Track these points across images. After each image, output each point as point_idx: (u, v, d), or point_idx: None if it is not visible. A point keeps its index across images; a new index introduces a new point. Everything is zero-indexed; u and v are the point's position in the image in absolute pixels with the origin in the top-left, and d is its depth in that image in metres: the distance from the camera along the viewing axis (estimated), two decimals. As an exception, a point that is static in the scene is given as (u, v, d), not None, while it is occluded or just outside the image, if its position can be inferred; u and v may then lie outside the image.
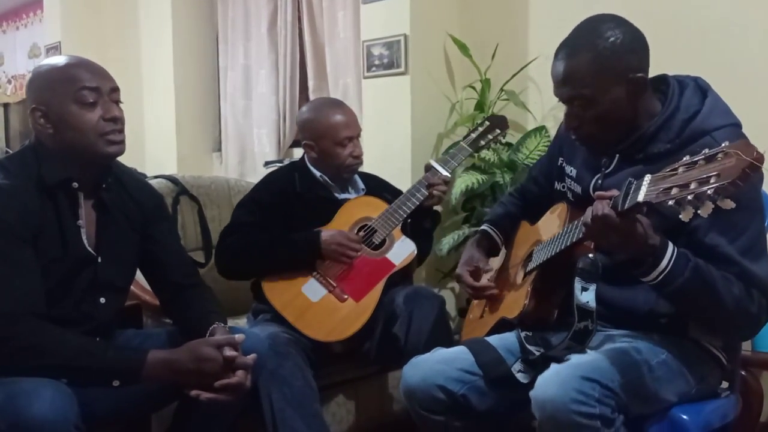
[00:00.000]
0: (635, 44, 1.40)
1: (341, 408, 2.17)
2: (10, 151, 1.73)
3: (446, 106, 2.80)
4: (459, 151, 2.14)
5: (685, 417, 1.38)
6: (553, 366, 1.33)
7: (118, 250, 1.59)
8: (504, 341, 1.58)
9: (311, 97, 3.60)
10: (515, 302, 1.63)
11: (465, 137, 2.18)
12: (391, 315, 1.97)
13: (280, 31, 3.75)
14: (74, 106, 1.46)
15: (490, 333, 1.67)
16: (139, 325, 1.93)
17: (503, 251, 1.86)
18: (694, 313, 1.39)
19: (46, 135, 1.49)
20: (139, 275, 1.74)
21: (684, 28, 2.22)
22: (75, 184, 1.50)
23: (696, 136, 1.37)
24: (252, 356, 1.48)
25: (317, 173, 2.17)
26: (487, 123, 2.18)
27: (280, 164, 3.02)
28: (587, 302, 1.38)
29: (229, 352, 1.44)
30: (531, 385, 1.35)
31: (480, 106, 2.68)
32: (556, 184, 1.68)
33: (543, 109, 2.64)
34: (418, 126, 2.74)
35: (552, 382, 1.28)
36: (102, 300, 1.56)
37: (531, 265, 1.62)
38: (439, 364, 1.54)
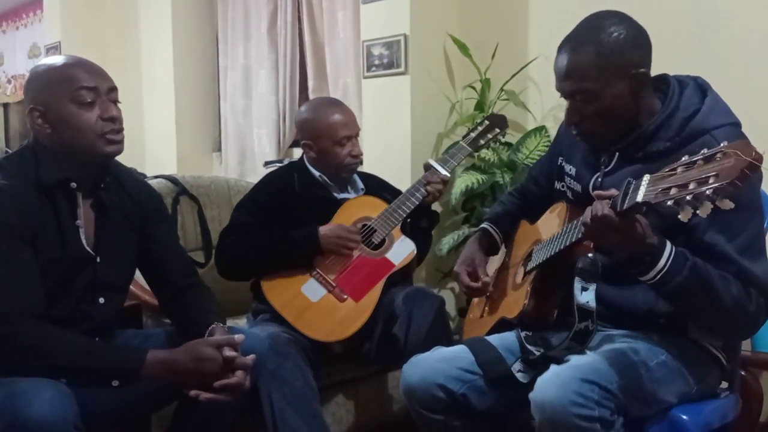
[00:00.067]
0: (638, 40, 1.40)
1: (341, 408, 2.17)
2: (10, 151, 1.73)
3: (446, 106, 2.80)
4: (458, 151, 2.14)
5: (684, 417, 1.38)
6: (553, 368, 1.33)
7: (117, 250, 1.59)
8: (504, 341, 1.58)
9: (311, 97, 3.60)
10: (515, 302, 1.63)
11: (464, 136, 2.18)
12: (390, 315, 1.97)
13: (280, 31, 3.75)
14: (72, 106, 1.46)
15: (491, 332, 1.67)
16: (139, 325, 1.93)
17: (503, 250, 1.86)
18: (692, 313, 1.39)
19: (44, 135, 1.49)
20: (139, 275, 1.74)
21: (684, 28, 2.22)
22: (73, 185, 1.50)
23: (696, 135, 1.37)
24: (251, 357, 1.48)
25: (316, 173, 2.17)
26: (486, 122, 2.18)
27: (280, 164, 3.02)
28: (587, 302, 1.38)
29: (228, 352, 1.44)
30: (531, 384, 1.34)
31: (480, 106, 2.68)
32: (556, 183, 1.68)
33: (543, 109, 2.64)
34: (417, 126, 2.74)
35: (551, 385, 1.28)
36: (101, 300, 1.56)
37: (530, 265, 1.62)
38: (439, 363, 1.55)
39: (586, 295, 1.39)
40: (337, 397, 2.16)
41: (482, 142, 2.15)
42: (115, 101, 1.52)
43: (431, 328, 1.90)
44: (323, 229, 2.00)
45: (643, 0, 2.26)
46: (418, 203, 2.05)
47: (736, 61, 2.12)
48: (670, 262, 1.26)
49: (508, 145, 2.59)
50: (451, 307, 2.76)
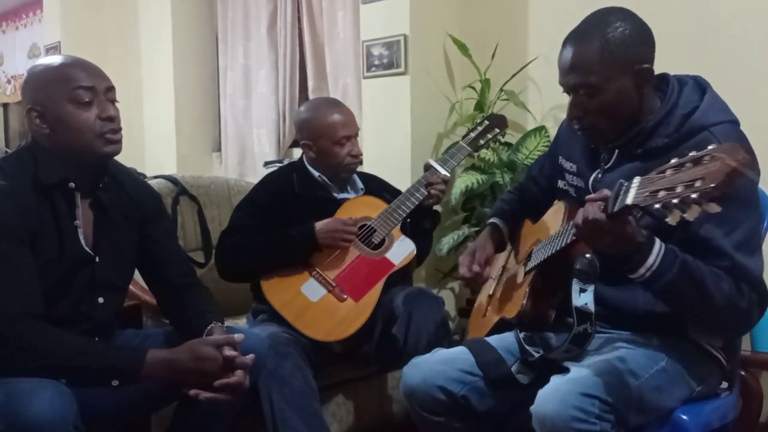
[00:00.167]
0: (643, 36, 1.41)
1: (341, 408, 2.17)
2: (9, 152, 1.72)
3: (446, 106, 2.80)
4: (458, 151, 2.14)
5: (685, 417, 1.38)
6: (553, 380, 1.32)
7: (116, 250, 1.59)
8: (504, 342, 1.58)
9: (311, 97, 3.60)
10: (514, 302, 1.63)
11: (464, 136, 2.18)
12: (390, 316, 1.96)
13: (279, 31, 3.75)
14: (70, 105, 1.45)
15: (491, 333, 1.67)
16: (138, 325, 1.93)
17: (508, 248, 1.86)
18: (684, 310, 1.38)
19: (42, 135, 1.48)
20: (138, 275, 1.74)
21: (684, 28, 2.22)
22: (72, 185, 1.50)
23: (694, 131, 1.37)
24: (251, 356, 1.48)
25: (316, 173, 2.17)
26: (486, 122, 2.17)
27: (280, 164, 3.02)
28: (586, 304, 1.38)
29: (228, 352, 1.44)
30: (531, 385, 1.34)
31: (480, 106, 2.68)
32: (558, 182, 1.68)
33: (543, 109, 2.64)
34: (417, 126, 2.74)
35: (552, 399, 1.28)
36: (100, 300, 1.56)
37: (530, 265, 1.62)
38: (439, 365, 1.54)
39: (584, 297, 1.39)
40: (337, 397, 2.16)
41: (482, 142, 2.15)
42: (113, 101, 1.52)
43: (430, 329, 1.90)
44: (319, 224, 2.00)
45: (643, 2, 2.27)
46: (418, 203, 2.05)
47: (736, 61, 2.12)
48: (659, 259, 1.26)
49: (508, 145, 2.59)
50: (450, 308, 2.76)
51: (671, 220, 1.03)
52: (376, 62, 2.83)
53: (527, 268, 1.64)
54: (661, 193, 1.05)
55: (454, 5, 2.83)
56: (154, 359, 1.41)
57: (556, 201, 1.68)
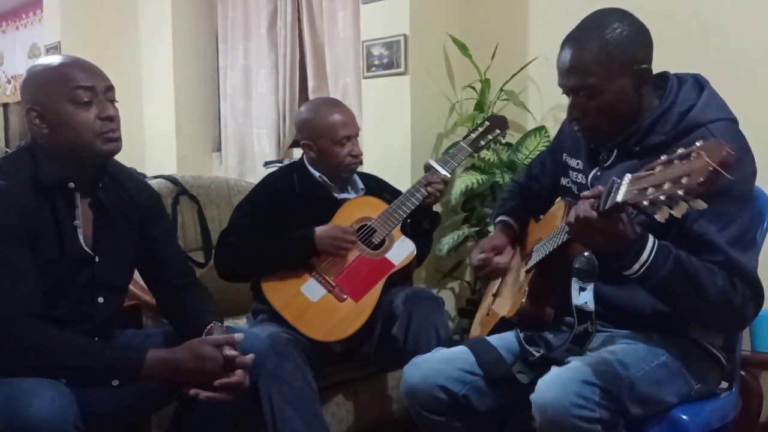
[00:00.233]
0: (641, 37, 1.42)
1: (341, 408, 2.17)
2: (9, 152, 1.72)
3: (446, 106, 2.80)
4: (459, 151, 2.13)
5: (684, 417, 1.38)
6: (554, 369, 1.32)
7: (115, 250, 1.59)
8: (504, 341, 1.58)
9: (311, 97, 3.60)
10: (514, 301, 1.63)
11: (465, 137, 2.18)
12: (390, 316, 1.96)
13: (279, 31, 3.75)
14: (69, 105, 1.45)
15: (492, 332, 1.67)
16: (138, 325, 1.93)
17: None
18: (679, 306, 1.38)
19: (41, 135, 1.48)
20: (139, 275, 1.74)
21: (685, 28, 2.22)
22: (71, 184, 1.50)
23: (691, 128, 1.38)
24: (251, 356, 1.48)
25: (316, 173, 2.17)
26: (487, 123, 2.17)
27: (280, 164, 3.01)
28: (585, 303, 1.38)
29: (228, 352, 1.44)
30: (531, 385, 1.34)
31: (480, 106, 2.68)
32: (562, 179, 1.68)
33: (543, 109, 2.64)
34: (417, 126, 2.74)
35: (552, 386, 1.28)
36: (100, 300, 1.56)
37: (529, 264, 1.62)
38: (440, 364, 1.54)
39: (584, 296, 1.39)
40: (337, 397, 2.16)
41: (482, 143, 2.15)
42: (113, 100, 1.52)
43: (430, 329, 1.90)
44: (319, 230, 2.00)
45: (643, 2, 2.27)
46: (418, 203, 2.05)
47: (736, 60, 2.12)
48: (653, 255, 1.26)
49: (508, 145, 2.59)
50: (450, 308, 2.76)
51: (660, 217, 1.04)
52: (376, 62, 2.83)
53: (527, 267, 1.64)
54: (650, 190, 1.06)
55: (454, 5, 2.83)
56: (154, 359, 1.41)
57: (558, 199, 1.68)
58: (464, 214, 2.72)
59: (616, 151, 1.49)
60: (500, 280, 1.84)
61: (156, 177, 2.53)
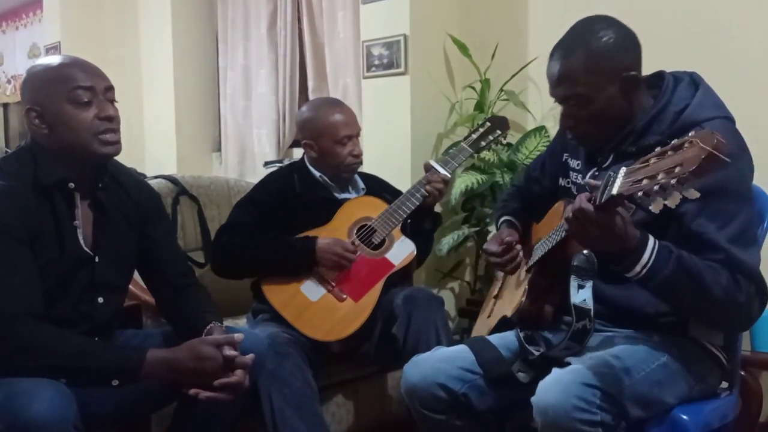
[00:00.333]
0: (627, 43, 1.42)
1: (341, 408, 2.17)
2: (9, 152, 1.72)
3: (446, 106, 2.80)
4: (459, 152, 2.13)
5: (684, 417, 1.38)
6: (555, 372, 1.32)
7: (115, 250, 1.59)
8: (504, 340, 1.59)
9: (311, 97, 3.60)
10: (513, 300, 1.63)
11: (466, 138, 2.18)
12: (390, 315, 1.96)
13: (279, 31, 3.75)
14: (69, 105, 1.45)
15: (493, 332, 1.67)
16: (138, 325, 1.93)
17: None
18: (683, 306, 1.38)
19: (41, 135, 1.48)
20: (138, 275, 1.74)
21: (685, 28, 2.22)
22: (71, 185, 1.50)
23: (686, 128, 1.37)
24: (251, 356, 1.48)
25: (317, 173, 2.17)
26: (488, 124, 2.17)
27: (280, 164, 3.02)
28: (584, 300, 1.38)
29: (228, 352, 1.44)
30: (531, 384, 1.34)
31: (480, 107, 2.68)
32: (561, 180, 1.68)
33: (542, 109, 2.64)
34: (417, 126, 2.74)
35: (553, 389, 1.28)
36: (100, 300, 1.56)
37: (529, 263, 1.62)
38: (440, 363, 1.55)
39: (582, 294, 1.39)
40: (336, 397, 2.16)
41: (483, 143, 2.15)
42: (113, 101, 1.52)
43: (430, 329, 1.90)
44: (321, 243, 1.99)
45: (643, 2, 2.27)
46: (418, 204, 2.05)
47: (735, 60, 2.12)
48: (654, 255, 1.25)
49: (508, 145, 2.59)
50: (450, 307, 2.76)
51: (654, 208, 1.04)
52: (376, 62, 2.83)
53: (526, 267, 1.64)
54: (644, 182, 1.06)
55: (454, 5, 2.83)
56: (154, 359, 1.41)
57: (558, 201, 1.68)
58: (464, 214, 2.72)
59: (612, 153, 1.49)
60: (501, 282, 1.84)
61: (156, 177, 2.53)
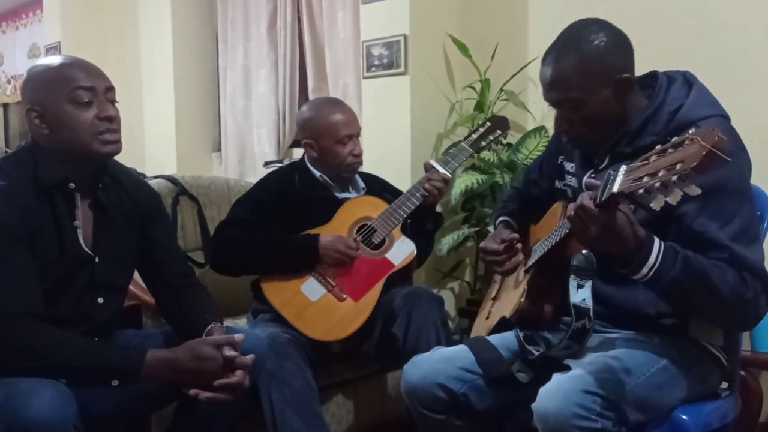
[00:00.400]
0: (619, 46, 1.42)
1: (341, 408, 2.17)
2: (9, 152, 1.72)
3: (446, 106, 2.80)
4: (460, 152, 2.13)
5: (684, 417, 1.38)
6: (555, 377, 1.32)
7: (115, 250, 1.59)
8: (504, 340, 1.59)
9: (311, 97, 3.60)
10: (512, 301, 1.63)
11: (466, 138, 2.18)
12: (389, 315, 1.96)
13: (279, 31, 3.75)
14: (69, 105, 1.45)
15: (492, 333, 1.67)
16: (138, 326, 1.93)
17: None
18: (691, 306, 1.37)
19: (41, 135, 1.48)
20: (138, 275, 1.74)
21: (685, 28, 2.22)
22: (71, 185, 1.50)
23: (682, 127, 1.37)
24: (251, 356, 1.48)
25: (317, 173, 2.17)
26: (488, 124, 2.17)
27: (280, 164, 3.02)
28: (583, 300, 1.38)
29: (228, 352, 1.44)
30: (531, 384, 1.34)
31: (480, 107, 2.68)
32: (556, 182, 1.68)
33: (543, 110, 2.63)
34: (417, 126, 2.74)
35: (554, 396, 1.27)
36: (100, 300, 1.56)
37: (528, 263, 1.62)
38: (439, 363, 1.55)
39: (582, 293, 1.39)
40: (336, 397, 2.16)
41: (483, 143, 2.15)
42: (113, 101, 1.52)
43: (430, 328, 1.90)
44: (323, 240, 2.00)
45: (643, 1, 2.27)
46: (418, 203, 2.05)
47: (736, 60, 2.12)
48: (660, 256, 1.24)
49: (508, 145, 2.59)
50: (450, 307, 2.76)
51: (655, 205, 1.04)
52: (376, 62, 2.83)
53: (525, 267, 1.64)
54: (645, 179, 1.06)
55: (454, 5, 2.83)
56: (154, 359, 1.41)
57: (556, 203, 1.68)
58: (464, 214, 2.72)
59: (608, 154, 1.49)
60: (499, 284, 1.83)
61: (156, 177, 2.53)
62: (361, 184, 2.23)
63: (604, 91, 1.41)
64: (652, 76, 1.50)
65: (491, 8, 2.78)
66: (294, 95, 3.74)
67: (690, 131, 1.04)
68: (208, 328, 1.55)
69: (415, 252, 2.06)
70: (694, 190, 1.00)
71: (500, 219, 1.84)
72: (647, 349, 1.40)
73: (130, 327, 1.78)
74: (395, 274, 2.03)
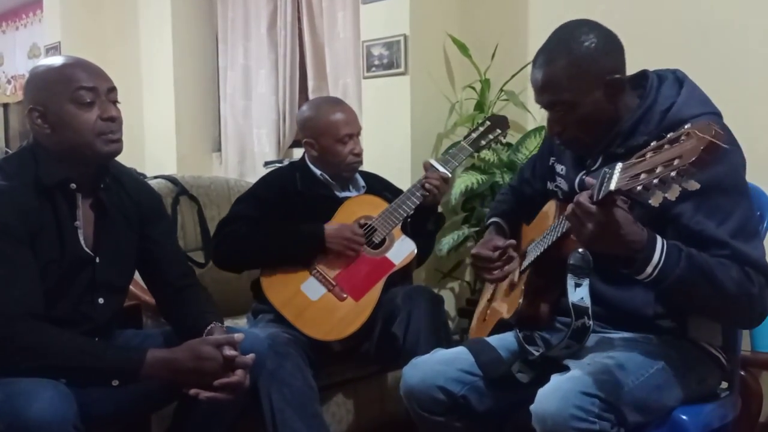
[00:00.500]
0: (609, 47, 1.42)
1: (341, 408, 2.17)
2: (10, 152, 1.73)
3: (446, 106, 2.80)
4: (459, 151, 2.13)
5: (684, 417, 1.38)
6: (554, 379, 1.32)
7: (116, 251, 1.59)
8: (504, 341, 1.58)
9: (311, 97, 3.60)
10: (511, 302, 1.63)
11: (466, 137, 2.18)
12: (389, 314, 1.96)
13: (279, 32, 3.75)
14: (71, 106, 1.45)
15: (491, 334, 1.67)
16: (138, 326, 1.93)
17: None
18: (697, 305, 1.36)
19: (43, 135, 1.48)
20: (138, 275, 1.74)
21: (684, 28, 2.22)
22: (73, 185, 1.50)
23: (674, 125, 1.35)
24: (251, 356, 1.48)
25: (317, 172, 2.17)
26: (488, 123, 2.17)
27: (280, 164, 3.02)
28: (581, 299, 1.38)
29: (228, 352, 1.44)
30: (531, 385, 1.34)
31: (480, 107, 2.68)
32: (548, 183, 1.68)
33: (542, 110, 2.63)
34: (417, 126, 2.74)
35: (552, 397, 1.27)
36: (100, 300, 1.56)
37: (524, 264, 1.62)
38: (439, 365, 1.54)
39: (579, 292, 1.39)
40: (336, 397, 2.16)
41: (483, 142, 2.15)
42: (115, 101, 1.52)
43: (430, 328, 1.90)
44: (329, 229, 2.00)
45: (643, 1, 2.27)
46: (419, 202, 2.05)
47: (735, 60, 2.12)
48: (664, 255, 1.23)
49: (508, 145, 2.59)
50: (450, 307, 2.76)
51: (654, 201, 1.03)
52: (376, 62, 2.83)
53: (522, 268, 1.64)
54: (642, 176, 1.05)
55: (454, 5, 2.83)
56: (154, 359, 1.41)
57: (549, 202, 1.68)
58: (464, 214, 2.72)
59: (601, 155, 1.48)
60: (495, 285, 1.83)
61: (156, 177, 2.53)
62: (362, 183, 2.23)
63: (595, 93, 1.40)
64: (643, 75, 1.49)
65: (491, 8, 2.78)
66: (294, 95, 3.74)
67: (686, 126, 1.03)
68: (209, 328, 1.55)
69: (416, 251, 2.06)
70: (693, 185, 1.00)
71: (491, 220, 1.84)
72: (646, 350, 1.40)
73: (130, 327, 1.78)
74: (395, 273, 2.03)
